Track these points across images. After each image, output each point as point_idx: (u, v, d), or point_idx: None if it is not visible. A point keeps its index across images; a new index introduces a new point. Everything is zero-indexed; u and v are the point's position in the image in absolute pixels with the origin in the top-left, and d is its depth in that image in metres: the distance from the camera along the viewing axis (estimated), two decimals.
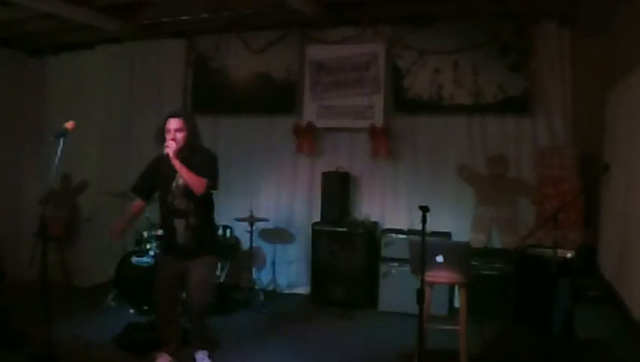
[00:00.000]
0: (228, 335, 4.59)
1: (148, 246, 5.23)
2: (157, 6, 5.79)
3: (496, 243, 5.42)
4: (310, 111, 6.02)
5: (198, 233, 3.70)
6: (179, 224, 3.69)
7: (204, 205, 3.74)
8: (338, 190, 5.72)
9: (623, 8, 4.08)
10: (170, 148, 3.53)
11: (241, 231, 5.80)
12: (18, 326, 4.17)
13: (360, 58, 5.85)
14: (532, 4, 5.16)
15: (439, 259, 3.73)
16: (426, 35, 5.61)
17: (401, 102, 5.74)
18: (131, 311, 5.00)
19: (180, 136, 3.60)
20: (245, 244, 5.84)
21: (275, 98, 6.13)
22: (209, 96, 6.41)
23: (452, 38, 5.50)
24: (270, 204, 6.14)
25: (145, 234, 5.36)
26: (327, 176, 5.77)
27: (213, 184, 3.66)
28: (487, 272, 4.96)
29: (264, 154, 6.25)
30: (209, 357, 3.85)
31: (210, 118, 6.44)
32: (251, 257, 5.72)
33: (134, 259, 5.11)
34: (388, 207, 5.85)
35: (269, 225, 5.98)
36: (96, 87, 6.84)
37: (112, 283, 5.28)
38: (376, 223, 5.79)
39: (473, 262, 4.62)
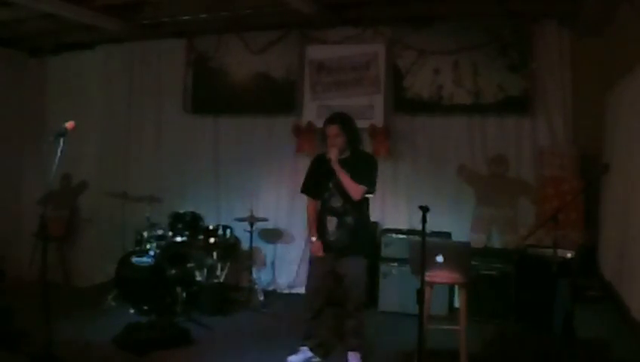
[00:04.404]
0: (228, 335, 4.60)
1: (148, 246, 5.23)
2: (157, 6, 5.78)
3: (496, 243, 5.42)
4: (310, 111, 6.02)
5: (351, 232, 3.79)
6: (331, 222, 3.82)
7: (360, 205, 3.81)
8: None
9: (623, 8, 4.09)
10: (332, 153, 3.71)
11: (241, 231, 5.79)
12: (18, 326, 4.17)
13: (360, 58, 5.85)
14: (532, 4, 5.16)
15: (439, 259, 3.73)
16: (426, 35, 5.61)
17: (401, 102, 5.74)
18: (131, 311, 5.00)
19: (339, 140, 3.74)
20: (245, 244, 5.84)
21: (275, 98, 6.13)
22: (209, 96, 6.41)
23: (452, 38, 5.50)
24: (270, 204, 6.13)
25: (145, 234, 5.36)
26: None
27: (370, 190, 3.77)
28: (487, 272, 4.95)
29: (264, 154, 6.26)
30: (361, 360, 3.89)
31: (210, 118, 6.46)
32: (251, 257, 5.72)
33: (134, 259, 5.11)
34: (388, 207, 5.85)
35: (269, 225, 5.98)
36: (96, 87, 6.84)
37: (112, 283, 5.28)
38: (376, 223, 5.78)
39: (473, 262, 4.63)
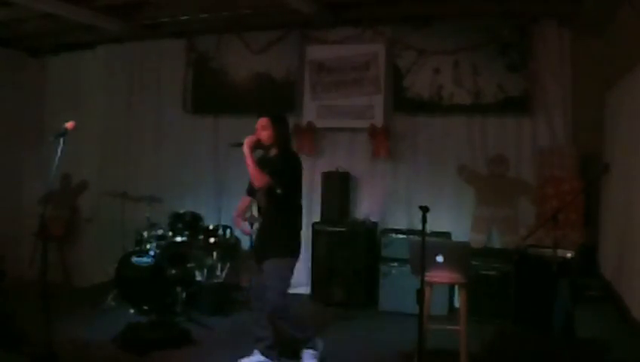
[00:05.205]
0: (228, 335, 4.60)
1: (148, 247, 5.22)
2: (157, 6, 5.79)
3: (496, 243, 5.42)
4: (310, 111, 6.02)
5: (266, 233, 3.82)
6: (258, 222, 3.92)
7: (279, 207, 3.75)
8: (338, 190, 5.72)
9: (623, 8, 4.09)
10: (247, 138, 3.70)
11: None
12: (18, 326, 4.16)
13: (360, 58, 5.85)
14: (532, 4, 5.16)
15: (439, 259, 3.73)
16: (426, 35, 5.61)
17: (401, 102, 5.74)
18: (131, 311, 4.99)
19: (264, 134, 3.75)
20: (245, 244, 5.84)
21: (275, 98, 6.13)
22: (209, 96, 6.41)
23: (452, 38, 5.50)
24: None
25: (145, 234, 5.36)
26: (327, 176, 5.77)
27: (277, 184, 3.63)
28: (487, 272, 4.95)
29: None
30: (314, 356, 3.88)
31: (210, 118, 6.46)
32: (251, 257, 5.71)
33: (134, 259, 5.10)
34: (388, 207, 5.85)
35: None
36: (96, 87, 6.84)
37: (112, 283, 5.27)
38: (376, 223, 5.78)
39: (473, 262, 4.62)
